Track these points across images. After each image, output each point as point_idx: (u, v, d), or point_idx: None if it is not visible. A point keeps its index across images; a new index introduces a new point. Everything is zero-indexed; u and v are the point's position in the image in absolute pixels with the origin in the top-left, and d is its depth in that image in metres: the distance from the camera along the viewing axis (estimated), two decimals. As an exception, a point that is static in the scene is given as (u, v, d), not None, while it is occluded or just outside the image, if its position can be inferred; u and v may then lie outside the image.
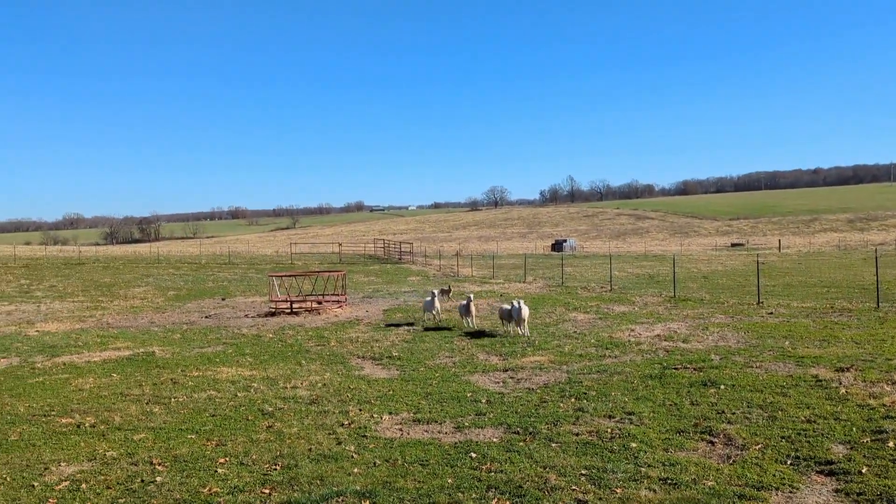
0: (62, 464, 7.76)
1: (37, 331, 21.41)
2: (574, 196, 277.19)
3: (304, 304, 25.24)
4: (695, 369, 11.16)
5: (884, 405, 8.06)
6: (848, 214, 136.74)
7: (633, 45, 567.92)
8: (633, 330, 16.92)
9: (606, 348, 14.30)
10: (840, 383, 9.30)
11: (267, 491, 6.48)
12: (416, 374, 12.49)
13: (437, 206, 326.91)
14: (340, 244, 74.20)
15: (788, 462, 6.46)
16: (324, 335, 18.36)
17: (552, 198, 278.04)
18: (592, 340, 15.53)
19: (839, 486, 5.80)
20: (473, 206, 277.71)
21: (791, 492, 5.75)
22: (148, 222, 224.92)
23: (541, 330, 17.57)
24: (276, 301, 25.97)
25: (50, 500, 6.55)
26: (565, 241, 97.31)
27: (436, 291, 21.05)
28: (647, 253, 76.83)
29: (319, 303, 25.80)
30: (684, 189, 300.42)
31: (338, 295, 27.38)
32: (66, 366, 15.02)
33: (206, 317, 24.25)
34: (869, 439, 6.88)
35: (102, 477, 7.22)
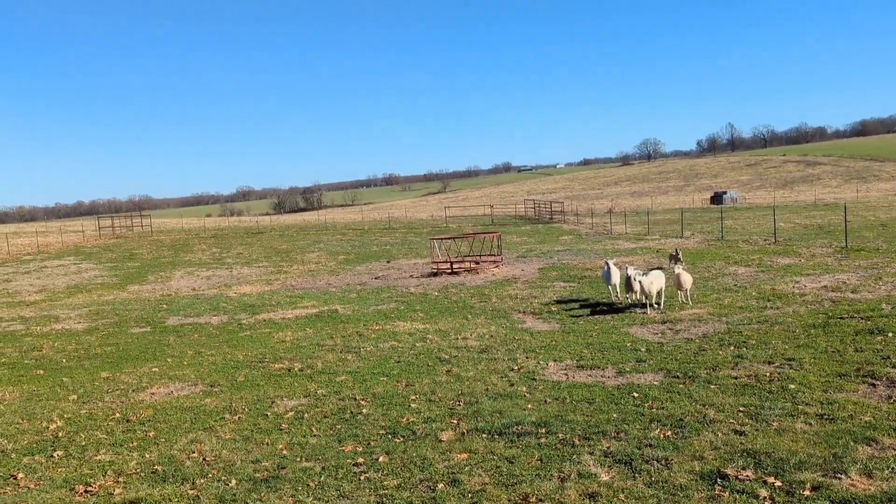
0: (284, 399, 9.40)
1: (235, 293, 24.44)
2: (734, 144, 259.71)
3: (463, 265, 26.65)
4: (862, 318, 11.04)
5: None
6: None
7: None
8: (797, 282, 16.56)
9: (768, 300, 14.25)
10: None
11: (455, 421, 7.60)
12: (576, 327, 13.26)
13: (586, 162, 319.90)
14: (492, 206, 75.59)
15: (955, 403, 6.62)
16: (484, 293, 19.55)
17: (710, 147, 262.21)
18: (753, 293, 15.45)
19: None
20: (625, 160, 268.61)
21: (951, 428, 5.99)
22: (311, 191, 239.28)
23: (700, 284, 17.61)
24: (438, 262, 27.59)
25: (283, 425, 8.10)
26: (725, 192, 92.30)
27: (611, 263, 16.40)
28: (817, 202, 71.41)
29: (477, 263, 27.12)
30: (862, 130, 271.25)
31: (494, 255, 28.56)
32: (266, 322, 17.30)
33: (376, 278, 26.35)
34: None
35: (318, 409, 8.72)
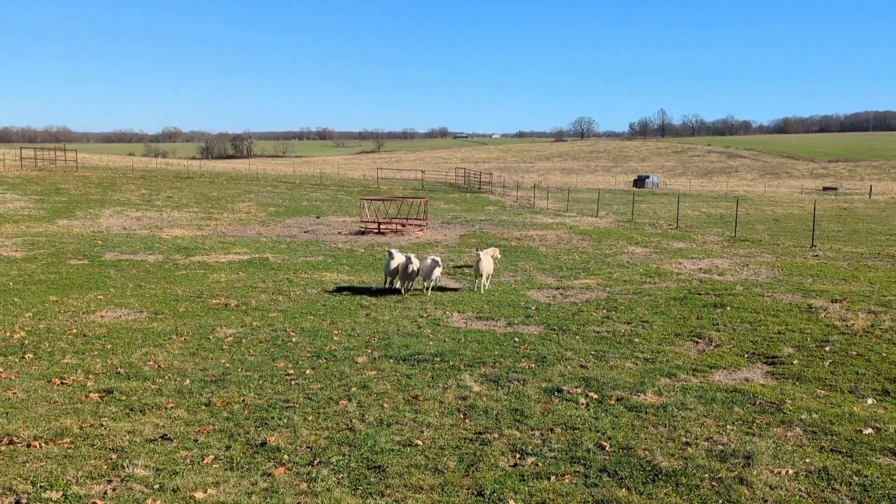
0: (223, 327, 10.90)
1: (167, 235, 25.35)
2: (665, 130, 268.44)
3: (390, 226, 28.28)
4: (715, 295, 13.33)
5: (846, 325, 10.15)
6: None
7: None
8: (680, 263, 18.95)
9: (650, 277, 16.52)
10: (826, 311, 11.34)
11: (369, 350, 9.33)
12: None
13: (521, 134, 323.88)
14: (423, 171, 77.01)
15: (745, 356, 8.77)
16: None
17: (641, 131, 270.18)
18: (640, 270, 17.73)
19: (770, 370, 8.11)
20: (559, 136, 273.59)
21: (734, 370, 8.12)
22: (241, 139, 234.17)
23: (598, 260, 19.85)
24: (366, 221, 29.13)
25: (223, 346, 9.64)
26: (648, 177, 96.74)
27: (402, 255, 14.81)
28: (729, 193, 76.13)
29: (403, 225, 28.80)
30: (784, 127, 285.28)
31: (420, 219, 30.29)
32: (200, 264, 18.53)
33: (305, 232, 27.68)
34: (813, 346, 9.07)
35: (254, 336, 10.28)
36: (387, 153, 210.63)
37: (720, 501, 4.53)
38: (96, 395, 7.24)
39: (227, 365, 8.54)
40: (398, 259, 14.59)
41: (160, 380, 7.80)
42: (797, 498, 4.60)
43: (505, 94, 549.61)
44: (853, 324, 10.25)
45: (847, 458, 5.29)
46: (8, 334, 10.08)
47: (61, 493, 4.69)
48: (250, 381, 7.70)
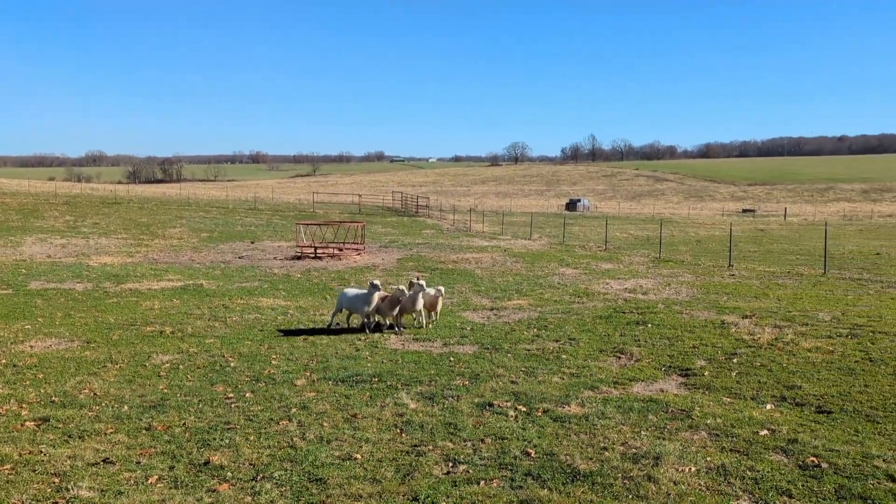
0: (159, 354, 10.92)
1: (95, 262, 24.79)
2: (595, 155, 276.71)
3: (326, 251, 28.39)
4: (638, 313, 14.10)
5: (753, 339, 10.99)
6: (863, 185, 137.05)
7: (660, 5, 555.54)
8: (608, 283, 19.82)
9: (579, 297, 17.25)
10: (737, 326, 12.20)
11: (308, 373, 9.56)
12: (419, 309, 15.55)
13: (457, 159, 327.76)
14: (360, 195, 77.15)
15: (662, 369, 9.44)
16: (345, 277, 21.49)
17: (573, 156, 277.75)
18: (570, 290, 18.46)
19: (684, 381, 8.77)
20: (494, 160, 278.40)
21: (651, 382, 8.75)
22: (170, 163, 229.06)
23: (531, 281, 20.53)
24: (302, 246, 29.15)
25: (161, 372, 9.70)
26: (580, 200, 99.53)
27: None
28: (655, 215, 79.05)
29: (340, 250, 28.95)
30: (706, 152, 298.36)
31: (357, 243, 30.50)
32: (132, 291, 18.28)
33: (240, 257, 27.50)
34: (723, 358, 9.83)
35: (191, 362, 10.36)
36: (322, 177, 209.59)
37: (630, 496, 5.03)
38: (32, 423, 7.26)
39: (166, 391, 8.63)
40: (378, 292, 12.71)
41: (97, 407, 7.85)
42: (696, 491, 5.15)
43: (441, 119, 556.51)
44: (759, 337, 11.10)
45: (744, 456, 5.90)
46: (-67, 366, 9.86)
47: (6, 516, 4.81)
48: (190, 406, 7.85)
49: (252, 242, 34.00)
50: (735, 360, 9.63)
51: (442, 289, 13.57)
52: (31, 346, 11.45)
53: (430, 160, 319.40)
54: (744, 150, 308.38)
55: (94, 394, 8.48)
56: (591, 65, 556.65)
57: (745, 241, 40.61)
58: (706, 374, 9.02)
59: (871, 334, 11.15)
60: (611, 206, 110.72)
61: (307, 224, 34.05)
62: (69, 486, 5.30)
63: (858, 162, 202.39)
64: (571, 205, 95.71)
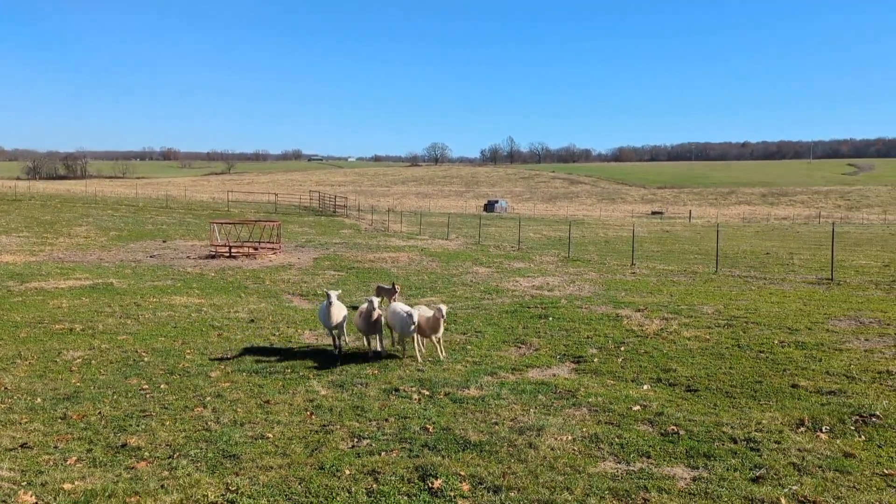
0: (70, 350, 10.95)
1: (-3, 262, 23.82)
2: (513, 157, 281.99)
3: (241, 250, 28.26)
4: (542, 308, 15.01)
5: (642, 329, 12.05)
6: (763, 189, 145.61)
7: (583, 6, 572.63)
8: (517, 281, 20.75)
9: (489, 293, 18.07)
10: (629, 318, 13.27)
11: (222, 366, 9.88)
12: (334, 306, 15.97)
13: (377, 158, 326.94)
14: (276, 194, 76.23)
15: (557, 357, 10.29)
16: (259, 276, 21.59)
17: (492, 157, 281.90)
18: (482, 288, 19.27)
19: (575, 367, 9.64)
20: (414, 161, 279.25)
21: (546, 368, 9.57)
22: (74, 158, 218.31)
23: (445, 279, 21.24)
24: (216, 245, 28.89)
25: (72, 367, 9.79)
26: (497, 202, 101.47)
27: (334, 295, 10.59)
28: (570, 217, 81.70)
29: (255, 249, 28.87)
30: (619, 156, 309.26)
31: (273, 243, 30.47)
32: (38, 290, 17.85)
33: (151, 256, 27.02)
34: (613, 346, 10.80)
35: (104, 357, 10.47)
36: (238, 175, 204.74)
37: (512, 460, 5.74)
38: (-58, 416, 7.33)
39: (79, 384, 8.79)
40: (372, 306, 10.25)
41: (9, 400, 7.96)
42: (570, 454, 5.91)
43: (360, 118, 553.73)
44: (647, 328, 12.16)
45: (615, 427, 6.72)
46: None
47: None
48: (104, 397, 8.07)
49: (164, 241, 33.35)
50: (623, 348, 10.60)
51: (443, 307, 10.04)
52: (-68, 345, 11.22)
53: (349, 159, 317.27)
54: (654, 155, 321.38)
55: (5, 388, 8.55)
56: (510, 69, 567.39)
57: (650, 242, 42.77)
58: (595, 360, 9.93)
59: (744, 325, 12.41)
60: (528, 207, 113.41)
61: (221, 223, 33.69)
62: (-12, 470, 5.54)
63: (760, 167, 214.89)
64: (489, 206, 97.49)
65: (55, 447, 6.16)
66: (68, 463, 5.73)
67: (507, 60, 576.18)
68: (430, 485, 5.16)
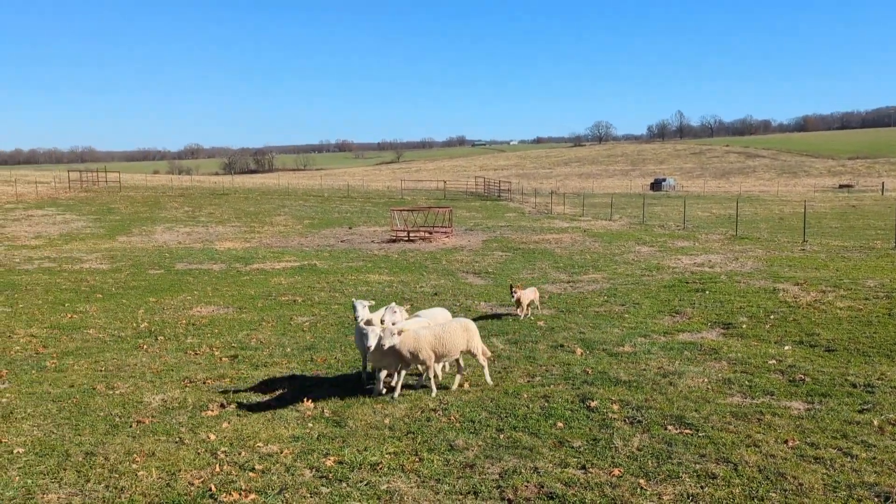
0: (298, 316, 13.72)
1: (221, 247, 28.37)
2: (683, 132, 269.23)
3: (418, 234, 31.11)
4: (699, 283, 15.92)
5: (796, 301, 12.72)
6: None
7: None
8: (679, 259, 21.49)
9: (649, 271, 19.10)
10: (786, 291, 13.89)
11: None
12: (504, 282, 17.88)
13: (539, 140, 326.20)
14: (444, 181, 79.97)
15: (708, 324, 11.39)
16: (436, 256, 24.04)
17: (660, 133, 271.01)
18: (642, 265, 20.30)
19: (724, 332, 10.73)
20: (577, 141, 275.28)
21: (696, 332, 10.76)
22: (262, 153, 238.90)
23: (606, 258, 22.44)
24: (397, 230, 31.99)
25: (303, 328, 12.44)
26: (664, 180, 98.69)
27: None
28: (744, 193, 78.01)
29: (430, 233, 31.61)
30: (804, 125, 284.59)
31: (445, 227, 33.09)
32: (259, 271, 21.44)
33: (342, 241, 30.58)
34: (763, 315, 11.68)
35: (325, 321, 13.09)
36: (406, 163, 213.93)
37: (654, 392, 7.24)
38: (226, 358, 10.09)
39: (313, 340, 11.36)
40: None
41: (267, 350, 10.63)
42: (703, 390, 7.28)
43: (521, 101, 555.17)
44: (801, 300, 12.82)
45: (748, 375, 7.94)
46: (136, 325, 13.00)
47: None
48: (334, 348, 10.53)
49: (350, 228, 37.18)
50: (772, 317, 11.49)
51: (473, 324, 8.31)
52: (199, 311, 14.51)
53: (511, 143, 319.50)
54: (845, 122, 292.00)
55: (261, 342, 11.28)
56: (679, 37, 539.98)
57: (830, 217, 40.66)
58: (744, 326, 10.95)
59: (906, 297, 12.65)
60: (698, 184, 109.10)
61: (400, 210, 36.95)
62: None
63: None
64: (656, 184, 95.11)
65: (315, 375, 8.53)
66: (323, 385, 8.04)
67: (675, 29, 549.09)
68: (588, 405, 6.83)
